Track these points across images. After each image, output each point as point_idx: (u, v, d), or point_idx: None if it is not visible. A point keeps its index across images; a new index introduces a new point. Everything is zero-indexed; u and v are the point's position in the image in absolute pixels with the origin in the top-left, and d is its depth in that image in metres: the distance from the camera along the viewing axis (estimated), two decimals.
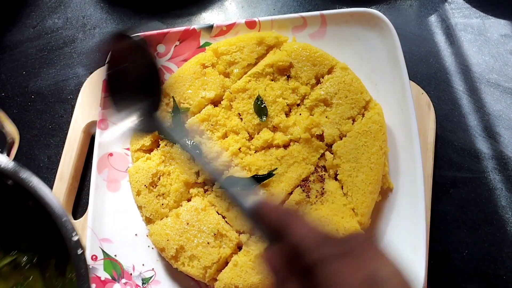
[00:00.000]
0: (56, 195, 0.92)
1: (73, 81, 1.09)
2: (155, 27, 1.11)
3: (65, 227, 0.54)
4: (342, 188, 0.79)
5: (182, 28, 0.94)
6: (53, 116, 1.06)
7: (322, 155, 0.81)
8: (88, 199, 0.86)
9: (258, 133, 0.83)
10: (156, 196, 0.82)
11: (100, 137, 0.89)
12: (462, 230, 0.84)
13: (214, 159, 0.82)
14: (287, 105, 0.84)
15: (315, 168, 0.80)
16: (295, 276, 0.45)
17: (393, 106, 0.84)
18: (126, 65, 0.62)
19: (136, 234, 0.85)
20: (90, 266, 0.80)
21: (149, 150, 0.87)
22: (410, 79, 0.84)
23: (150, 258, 0.84)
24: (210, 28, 0.94)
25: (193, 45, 0.95)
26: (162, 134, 0.66)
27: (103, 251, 0.83)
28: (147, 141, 0.86)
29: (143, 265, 0.83)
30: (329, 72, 0.86)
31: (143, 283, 0.81)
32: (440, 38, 0.99)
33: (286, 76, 0.86)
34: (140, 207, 0.83)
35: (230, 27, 0.94)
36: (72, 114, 0.98)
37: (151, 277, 0.82)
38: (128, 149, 0.90)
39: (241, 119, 0.85)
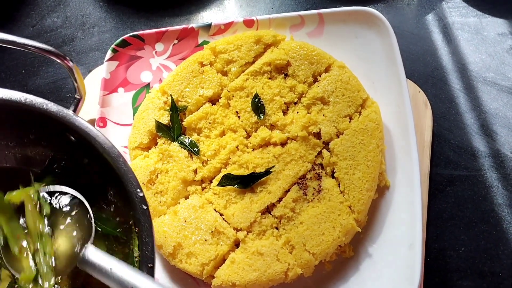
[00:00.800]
0: None
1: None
2: (154, 26, 1.12)
3: (132, 183, 0.57)
4: (339, 186, 0.79)
5: (180, 27, 0.95)
6: None
7: (319, 153, 0.81)
8: None
9: (255, 131, 0.84)
10: (154, 194, 0.82)
11: None
12: (458, 228, 0.84)
13: (212, 157, 0.82)
14: (285, 103, 0.85)
15: (312, 166, 0.80)
16: None
17: (390, 104, 0.85)
18: None
19: None
20: None
21: (147, 148, 0.87)
22: (407, 77, 0.84)
23: None
24: (208, 26, 0.95)
25: (191, 44, 0.96)
26: None
27: None
28: (145, 139, 0.86)
29: None
30: (327, 70, 0.86)
31: None
32: (437, 37, 1.00)
33: (283, 75, 0.87)
34: None
35: (228, 25, 0.94)
36: None
37: None
38: (126, 147, 0.90)
39: (239, 117, 0.85)
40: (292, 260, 0.75)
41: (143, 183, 0.82)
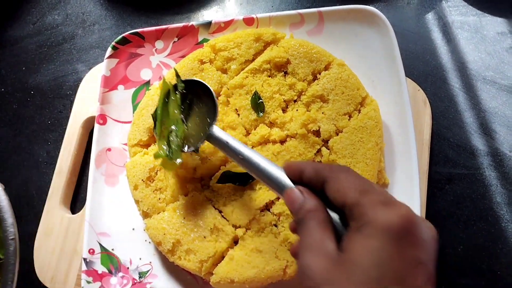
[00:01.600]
0: (55, 189, 0.92)
1: (72, 77, 1.10)
2: (154, 24, 1.12)
3: None
4: None
5: (180, 25, 0.95)
6: (52, 112, 1.06)
7: (319, 150, 0.82)
8: (86, 193, 0.86)
9: (255, 129, 0.84)
10: (153, 191, 0.82)
11: (99, 132, 0.90)
12: (457, 226, 0.84)
13: (211, 154, 0.83)
14: (284, 101, 0.85)
15: None
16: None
17: (390, 103, 0.85)
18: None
19: (133, 229, 0.86)
20: (88, 260, 0.81)
21: (147, 145, 0.88)
22: (406, 76, 0.84)
23: (147, 252, 0.84)
24: (208, 24, 0.95)
25: (191, 42, 0.96)
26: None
27: (100, 245, 0.83)
28: (144, 136, 0.86)
29: (140, 259, 0.84)
30: (326, 68, 0.86)
31: (140, 277, 0.82)
32: (437, 36, 1.00)
33: (283, 72, 0.87)
34: (137, 202, 0.83)
35: (228, 23, 0.94)
36: (71, 109, 0.99)
37: (148, 271, 0.83)
38: (126, 144, 0.91)
39: (238, 114, 0.86)
40: (290, 258, 0.75)
41: (142, 180, 0.83)
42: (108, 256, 0.83)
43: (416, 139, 0.79)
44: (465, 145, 0.89)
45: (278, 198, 0.79)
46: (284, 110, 0.85)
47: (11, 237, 0.69)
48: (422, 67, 0.97)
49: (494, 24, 0.99)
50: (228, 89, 0.87)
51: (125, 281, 0.81)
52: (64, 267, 0.87)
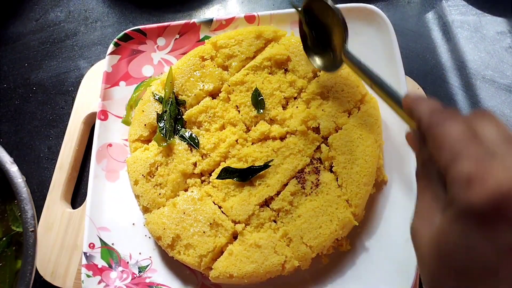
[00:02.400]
0: (56, 184, 0.93)
1: (74, 73, 1.11)
2: (156, 21, 1.13)
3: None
4: (337, 180, 0.80)
5: (182, 22, 0.96)
6: (54, 108, 1.07)
7: (318, 147, 0.82)
8: (87, 188, 0.87)
9: (255, 125, 0.84)
10: (154, 186, 0.83)
11: (100, 128, 0.90)
12: None
13: (211, 150, 0.83)
14: (284, 98, 0.85)
15: (310, 160, 0.81)
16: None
17: None
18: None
19: (133, 223, 0.87)
20: (88, 254, 0.82)
21: (147, 141, 0.88)
22: (406, 74, 0.85)
23: (147, 247, 0.85)
24: (209, 22, 0.95)
25: (192, 39, 0.97)
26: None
27: (100, 239, 0.84)
28: (145, 131, 0.87)
29: (140, 253, 0.84)
30: None
31: (139, 271, 0.82)
32: (436, 35, 1.01)
33: (283, 70, 0.88)
34: (137, 197, 0.84)
35: (229, 21, 0.95)
36: (72, 105, 1.00)
37: (147, 266, 0.83)
38: (127, 140, 0.91)
39: (239, 111, 0.86)
40: (289, 253, 0.75)
41: (142, 175, 0.83)
42: (108, 251, 0.83)
43: None
44: None
45: (277, 194, 0.79)
46: (284, 107, 0.85)
47: (31, 229, 0.68)
48: (421, 66, 0.97)
49: (493, 23, 1.00)
50: (229, 86, 0.87)
51: (124, 276, 0.82)
52: (64, 261, 0.87)
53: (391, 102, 0.64)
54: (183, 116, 0.86)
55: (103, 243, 0.84)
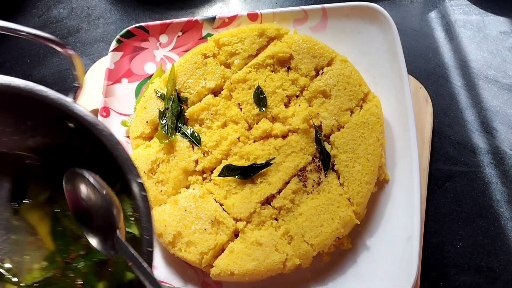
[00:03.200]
0: None
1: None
2: (158, 18, 1.13)
3: (130, 170, 0.58)
4: (339, 178, 0.80)
5: (185, 19, 0.95)
6: None
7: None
8: None
9: (257, 123, 0.84)
10: (155, 183, 0.83)
11: None
12: (456, 223, 0.84)
13: (213, 148, 0.83)
14: (287, 96, 0.85)
15: (312, 158, 0.81)
16: None
17: (391, 99, 0.85)
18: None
19: None
20: None
21: (149, 138, 0.88)
22: (409, 73, 0.85)
23: None
24: (212, 19, 0.95)
25: (195, 36, 0.97)
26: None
27: None
28: (147, 128, 0.87)
29: None
30: (329, 64, 0.87)
31: None
32: (439, 34, 1.00)
33: (286, 68, 0.88)
34: None
35: (232, 19, 0.95)
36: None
37: None
38: (128, 136, 0.91)
39: (241, 109, 0.86)
40: (290, 251, 0.75)
41: (144, 172, 0.83)
42: None
43: (417, 136, 0.80)
44: (465, 143, 0.90)
45: (279, 192, 0.79)
46: (286, 105, 0.85)
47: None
48: (424, 65, 0.97)
49: (496, 23, 0.99)
50: (231, 83, 0.87)
51: None
52: None
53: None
54: (185, 114, 0.86)
55: None
